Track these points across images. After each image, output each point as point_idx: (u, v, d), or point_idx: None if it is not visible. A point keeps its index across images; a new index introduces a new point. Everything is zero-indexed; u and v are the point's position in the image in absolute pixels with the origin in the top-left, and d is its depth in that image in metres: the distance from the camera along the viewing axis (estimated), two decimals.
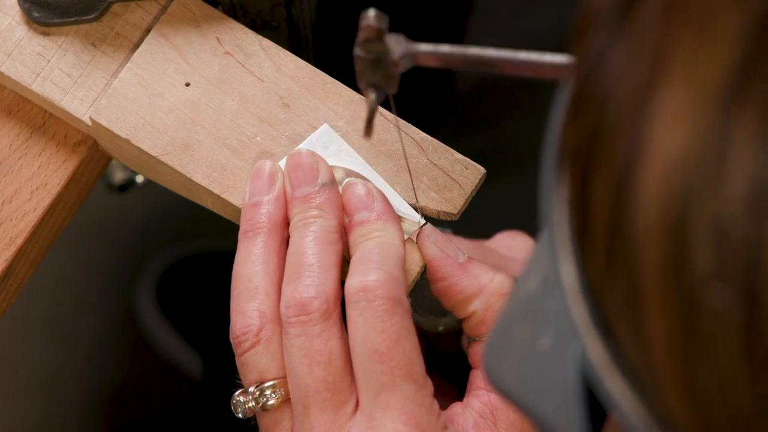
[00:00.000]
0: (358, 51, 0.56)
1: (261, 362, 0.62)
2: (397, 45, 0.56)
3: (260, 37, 0.69)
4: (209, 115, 0.68)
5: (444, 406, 0.63)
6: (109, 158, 0.73)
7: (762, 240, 0.31)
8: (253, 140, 0.67)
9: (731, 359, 0.32)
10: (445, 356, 0.78)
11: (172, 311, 1.41)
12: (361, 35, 0.55)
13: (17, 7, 0.70)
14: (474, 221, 0.84)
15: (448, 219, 0.67)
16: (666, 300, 0.33)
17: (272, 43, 0.69)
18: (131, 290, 1.43)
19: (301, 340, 0.60)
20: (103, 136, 0.69)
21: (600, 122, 0.35)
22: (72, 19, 0.70)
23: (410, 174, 0.66)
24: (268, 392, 0.61)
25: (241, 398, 0.62)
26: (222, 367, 1.29)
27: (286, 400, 0.61)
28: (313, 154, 0.66)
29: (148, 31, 0.70)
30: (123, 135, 0.67)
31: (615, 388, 0.36)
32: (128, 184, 1.17)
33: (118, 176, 1.16)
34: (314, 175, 0.64)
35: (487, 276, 0.64)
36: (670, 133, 0.33)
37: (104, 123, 0.68)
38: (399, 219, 0.65)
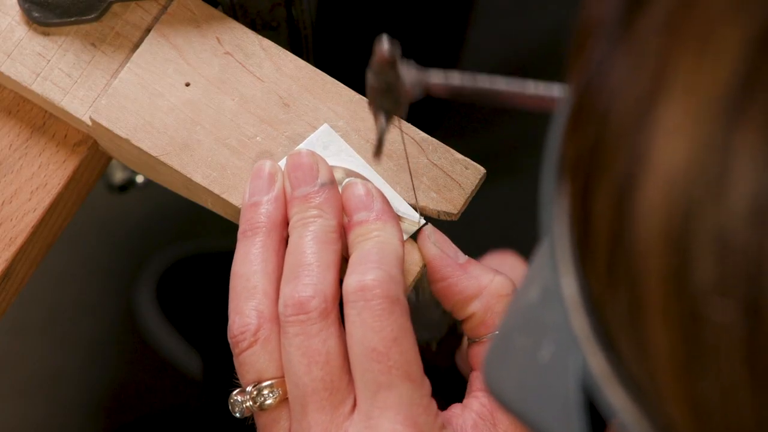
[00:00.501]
0: (370, 77, 0.57)
1: (259, 362, 0.62)
2: (408, 74, 0.57)
3: (260, 37, 0.69)
4: (209, 115, 0.68)
5: None
6: (109, 158, 0.73)
7: (764, 252, 0.31)
8: (253, 140, 0.67)
9: (733, 371, 0.32)
10: (439, 372, 0.78)
11: (172, 311, 1.41)
12: (374, 62, 0.56)
13: (17, 7, 0.70)
14: (474, 221, 0.84)
15: (448, 219, 0.67)
16: (668, 312, 0.33)
17: (272, 43, 0.69)
18: (131, 290, 1.43)
19: (299, 340, 0.60)
20: (103, 136, 0.69)
21: (601, 134, 0.35)
22: (72, 19, 0.70)
23: (410, 174, 0.66)
24: (265, 392, 0.61)
25: (239, 398, 0.62)
26: (221, 367, 1.29)
27: (283, 400, 0.61)
28: (312, 154, 0.66)
29: (148, 31, 0.70)
30: (123, 135, 0.67)
31: (616, 399, 0.36)
32: (128, 184, 1.17)
33: (118, 176, 1.16)
34: (314, 174, 0.64)
35: (487, 277, 0.64)
36: (672, 145, 0.33)
37: (104, 123, 0.68)
38: (398, 219, 0.65)
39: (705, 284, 0.32)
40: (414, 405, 0.59)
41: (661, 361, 0.34)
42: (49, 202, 0.69)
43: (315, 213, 0.63)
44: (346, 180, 0.66)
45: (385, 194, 0.65)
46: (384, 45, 0.56)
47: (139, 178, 1.18)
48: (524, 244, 0.88)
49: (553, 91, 0.54)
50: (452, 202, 0.67)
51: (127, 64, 0.69)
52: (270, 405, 0.61)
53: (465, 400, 0.64)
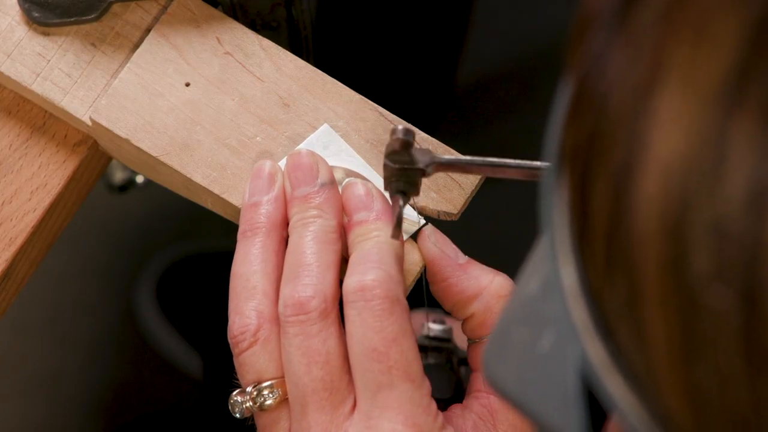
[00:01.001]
0: (386, 161, 0.61)
1: (259, 362, 0.62)
2: (422, 156, 0.61)
3: (260, 37, 0.69)
4: (209, 115, 0.68)
5: None
6: (109, 158, 0.73)
7: (760, 241, 0.31)
8: (253, 140, 0.67)
9: (730, 359, 0.32)
10: None
11: (172, 311, 1.41)
12: (390, 148, 0.60)
13: (17, 7, 0.70)
14: (474, 221, 0.84)
15: (448, 219, 0.67)
16: (665, 301, 0.33)
17: (272, 43, 0.69)
18: (131, 290, 1.43)
19: (299, 340, 0.60)
20: (103, 136, 0.69)
21: (599, 124, 0.35)
22: (72, 19, 0.70)
23: None
24: (265, 392, 0.61)
25: (239, 398, 0.62)
26: (221, 367, 1.29)
27: (283, 400, 0.61)
28: (312, 154, 0.66)
29: (148, 31, 0.70)
30: (123, 135, 0.67)
31: (615, 389, 0.36)
32: (128, 184, 1.17)
33: (118, 176, 1.16)
34: (314, 175, 0.64)
35: (487, 277, 0.64)
36: (669, 135, 0.33)
37: (104, 123, 0.68)
38: None
39: (702, 273, 0.32)
40: (414, 405, 0.59)
41: (658, 349, 0.34)
42: (49, 202, 0.69)
43: (315, 213, 0.63)
44: (346, 180, 0.66)
45: (385, 194, 0.65)
46: (399, 132, 0.60)
47: (139, 178, 1.18)
48: (524, 244, 0.88)
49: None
50: (452, 202, 0.67)
51: (127, 64, 0.69)
52: (270, 405, 0.61)
53: (465, 401, 0.64)
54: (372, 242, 0.62)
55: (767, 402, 0.32)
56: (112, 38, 0.70)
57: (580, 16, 0.38)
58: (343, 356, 0.60)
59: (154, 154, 0.67)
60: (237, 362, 0.62)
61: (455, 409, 0.63)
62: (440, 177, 0.67)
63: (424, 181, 0.67)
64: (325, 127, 0.68)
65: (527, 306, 0.40)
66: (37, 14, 0.70)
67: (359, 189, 0.64)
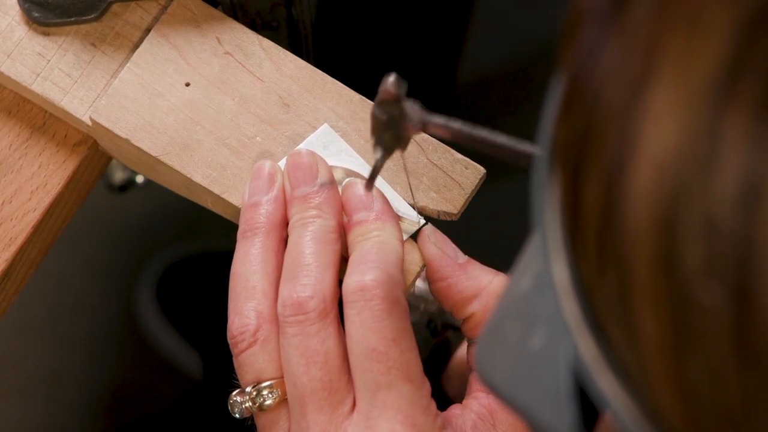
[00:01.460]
0: (374, 110, 0.58)
1: (258, 362, 0.62)
2: (412, 111, 0.58)
3: (260, 37, 0.69)
4: (209, 115, 0.68)
5: None
6: (109, 158, 0.73)
7: (751, 237, 0.31)
8: (253, 140, 0.67)
9: (721, 355, 0.32)
10: None
11: (172, 311, 1.41)
12: (379, 97, 0.58)
13: (17, 7, 0.70)
14: (474, 221, 0.84)
15: (448, 219, 0.67)
16: (657, 296, 0.33)
17: (272, 43, 0.69)
18: (131, 290, 1.43)
19: (297, 340, 0.60)
20: (103, 136, 0.69)
21: (591, 119, 0.35)
22: (72, 19, 0.70)
23: (407, 174, 0.66)
24: (265, 392, 0.61)
25: (238, 398, 0.62)
26: (222, 367, 1.29)
27: (283, 400, 0.61)
28: (312, 154, 0.66)
29: (148, 31, 0.70)
30: (123, 135, 0.67)
31: (606, 385, 0.36)
32: (128, 184, 1.17)
33: (118, 176, 1.16)
34: (313, 175, 0.65)
35: (487, 277, 0.64)
36: (661, 129, 0.33)
37: (104, 123, 0.68)
38: (398, 219, 0.65)
39: (693, 268, 0.32)
40: (413, 405, 0.59)
41: (649, 345, 0.34)
42: (49, 202, 0.69)
43: (314, 213, 0.63)
44: (346, 180, 0.66)
45: (385, 194, 0.65)
46: (390, 81, 0.57)
47: (139, 178, 1.18)
48: (524, 244, 0.88)
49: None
50: (452, 202, 0.67)
51: (127, 64, 0.69)
52: (269, 406, 0.61)
53: (464, 401, 0.64)
54: (372, 242, 0.62)
55: (757, 398, 0.32)
56: (112, 38, 0.70)
57: (572, 10, 0.38)
58: (342, 356, 0.60)
59: (154, 154, 0.67)
60: (236, 362, 0.62)
61: (454, 410, 0.63)
62: (440, 177, 0.67)
63: (424, 180, 0.66)
64: (325, 127, 0.68)
65: (519, 302, 0.40)
66: (37, 14, 0.70)
67: (359, 189, 0.64)
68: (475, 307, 0.64)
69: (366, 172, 0.66)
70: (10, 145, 0.70)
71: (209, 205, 0.68)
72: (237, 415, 0.62)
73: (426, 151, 0.67)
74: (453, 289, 0.64)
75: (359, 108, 0.68)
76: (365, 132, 0.67)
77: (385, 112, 0.58)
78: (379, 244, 0.62)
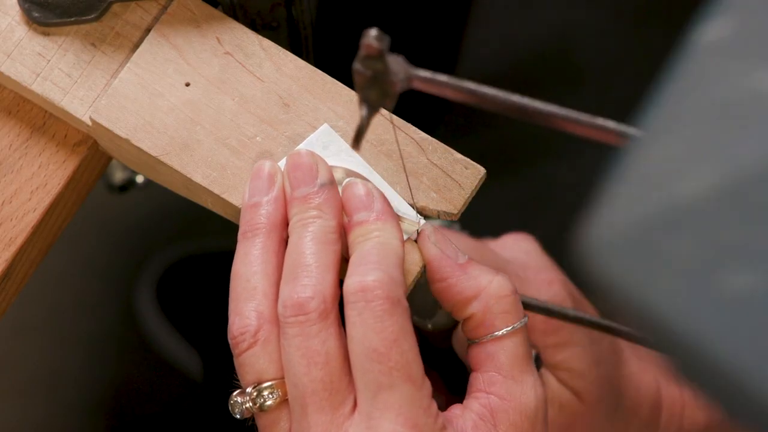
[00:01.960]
0: (357, 66, 0.57)
1: (258, 363, 0.62)
2: (396, 66, 0.57)
3: (260, 37, 0.69)
4: (209, 115, 0.68)
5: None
6: (109, 158, 0.73)
7: None
8: (253, 140, 0.67)
9: None
10: (436, 351, 0.78)
11: (172, 311, 1.41)
12: (362, 52, 0.57)
13: (17, 7, 0.70)
14: (474, 221, 0.84)
15: (448, 219, 0.67)
16: None
17: (272, 43, 0.69)
18: (131, 290, 1.43)
19: (298, 340, 0.60)
20: (103, 136, 0.69)
21: None
22: (72, 19, 0.70)
23: (406, 174, 0.66)
24: (265, 393, 0.61)
25: (239, 399, 0.62)
26: (222, 367, 1.29)
27: (283, 401, 0.61)
28: (312, 154, 0.66)
29: (148, 31, 0.70)
30: (123, 135, 0.67)
31: None
32: (128, 184, 1.17)
33: (118, 176, 1.16)
34: (313, 175, 0.64)
35: (486, 278, 0.64)
36: None
37: (104, 123, 0.68)
38: (399, 219, 0.65)
39: None
40: (415, 406, 0.59)
41: None
42: (49, 202, 0.69)
43: (314, 213, 0.63)
44: (347, 180, 0.66)
45: (385, 194, 0.65)
46: (372, 35, 0.56)
47: (139, 178, 1.18)
48: None
49: (534, 103, 0.54)
50: (452, 202, 0.66)
51: (127, 64, 0.69)
52: (270, 406, 0.61)
53: (465, 401, 0.64)
54: (372, 243, 0.62)
55: None
56: (112, 38, 0.70)
57: None
58: (343, 357, 0.60)
59: (154, 154, 0.67)
60: (237, 363, 0.62)
61: (455, 410, 0.63)
62: (440, 177, 0.67)
63: (424, 180, 0.66)
64: (325, 127, 0.68)
65: (696, 207, 0.28)
66: (37, 14, 0.70)
67: (359, 189, 0.64)
68: (475, 308, 0.64)
69: (366, 172, 0.66)
70: (10, 145, 0.70)
71: (209, 205, 0.68)
72: (237, 416, 0.62)
73: (426, 151, 0.67)
74: (453, 289, 0.64)
75: (359, 108, 0.68)
76: (366, 132, 0.67)
77: (368, 68, 0.57)
78: (380, 244, 0.62)
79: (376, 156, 0.67)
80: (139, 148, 0.67)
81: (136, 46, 0.70)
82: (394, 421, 0.59)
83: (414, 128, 0.68)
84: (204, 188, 0.67)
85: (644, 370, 0.83)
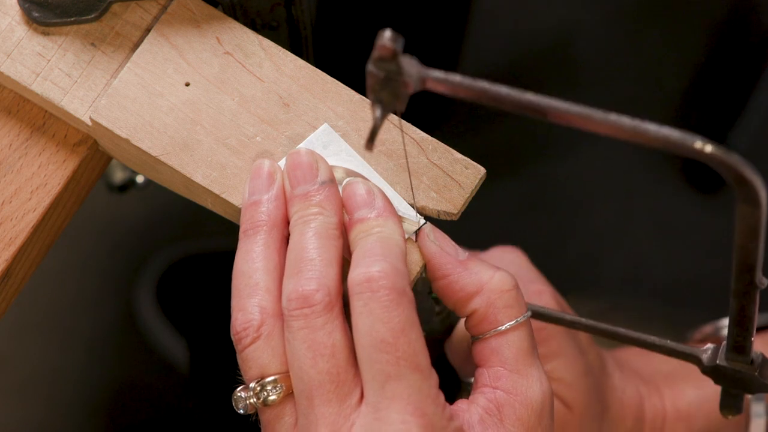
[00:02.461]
0: (371, 68, 0.57)
1: (262, 357, 0.62)
2: (409, 67, 0.57)
3: (260, 37, 0.70)
4: (209, 115, 0.68)
5: None
6: (109, 158, 0.73)
7: None
8: (253, 140, 0.67)
9: None
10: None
11: (172, 311, 1.41)
12: (375, 53, 0.57)
13: (17, 7, 0.70)
14: (474, 221, 0.84)
15: (448, 219, 0.67)
16: None
17: (272, 43, 0.70)
18: (131, 290, 1.43)
19: (304, 333, 0.60)
20: (103, 136, 0.69)
21: None
22: (72, 19, 0.70)
23: (409, 174, 0.66)
24: (269, 387, 0.61)
25: (242, 394, 0.62)
26: (221, 367, 1.29)
27: (287, 396, 0.61)
28: (312, 152, 0.66)
29: (148, 31, 0.70)
30: (123, 135, 0.67)
31: None
32: (128, 184, 1.17)
33: (118, 176, 1.16)
34: (314, 173, 0.65)
35: (488, 273, 0.64)
36: None
37: (104, 123, 0.68)
38: (399, 217, 0.65)
39: None
40: (423, 396, 0.59)
41: None
42: (49, 202, 0.69)
43: (316, 210, 0.63)
44: (347, 179, 0.66)
45: (386, 194, 0.65)
46: (386, 37, 0.56)
47: (139, 178, 1.18)
48: (524, 244, 0.88)
49: (548, 101, 0.54)
50: (452, 202, 0.67)
51: (127, 64, 0.69)
52: (274, 401, 0.61)
53: (471, 396, 0.64)
54: (375, 237, 0.62)
55: None
56: (112, 38, 0.70)
57: None
58: (349, 348, 0.60)
59: (154, 154, 0.67)
60: (240, 358, 0.62)
61: (461, 404, 0.63)
62: (440, 177, 0.67)
63: (424, 180, 0.67)
64: (324, 126, 0.68)
65: None
66: (37, 14, 0.70)
67: (360, 188, 0.64)
68: (477, 304, 0.64)
69: (366, 171, 0.67)
70: (10, 145, 0.70)
71: (209, 205, 0.68)
72: (241, 411, 0.62)
73: (426, 151, 0.67)
74: (455, 286, 0.64)
75: (359, 108, 0.68)
76: (365, 132, 0.67)
77: (382, 69, 0.57)
78: (382, 239, 0.62)
79: (376, 156, 0.67)
80: (139, 148, 0.67)
81: (136, 46, 0.70)
82: (403, 410, 0.59)
83: (414, 128, 0.68)
84: (204, 188, 0.67)
85: (627, 383, 0.84)
